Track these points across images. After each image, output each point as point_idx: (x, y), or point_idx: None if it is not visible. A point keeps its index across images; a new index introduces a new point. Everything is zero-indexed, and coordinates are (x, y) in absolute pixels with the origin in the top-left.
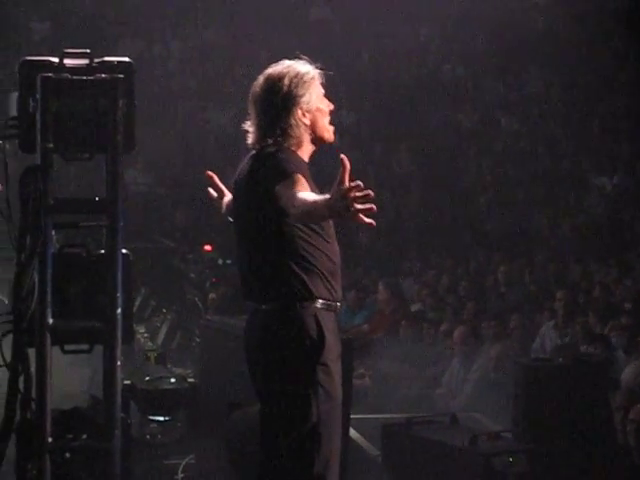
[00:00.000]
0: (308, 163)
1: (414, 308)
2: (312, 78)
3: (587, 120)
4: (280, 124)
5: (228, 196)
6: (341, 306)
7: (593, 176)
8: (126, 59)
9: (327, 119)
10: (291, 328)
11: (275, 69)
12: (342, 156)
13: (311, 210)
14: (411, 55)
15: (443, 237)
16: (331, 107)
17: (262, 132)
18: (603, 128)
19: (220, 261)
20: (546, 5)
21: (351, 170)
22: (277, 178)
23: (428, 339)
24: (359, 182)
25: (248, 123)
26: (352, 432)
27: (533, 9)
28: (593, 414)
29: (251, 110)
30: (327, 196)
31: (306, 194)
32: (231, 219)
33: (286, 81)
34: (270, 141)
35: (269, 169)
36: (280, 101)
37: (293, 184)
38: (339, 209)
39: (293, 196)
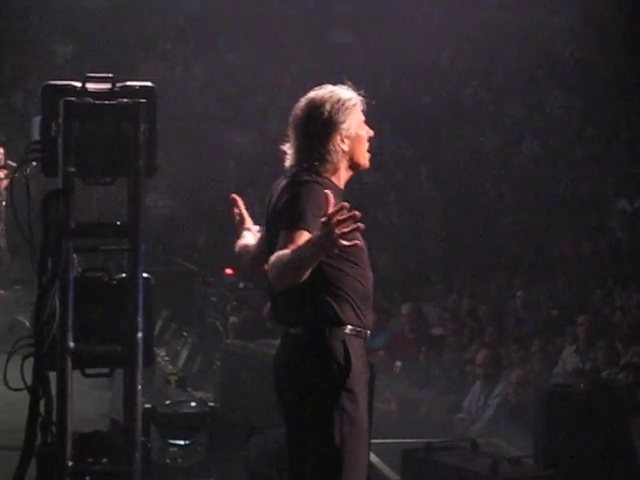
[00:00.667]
0: (344, 188)
1: (435, 332)
2: (353, 105)
3: (608, 143)
4: (318, 149)
5: (248, 225)
6: (370, 333)
7: (614, 199)
8: (148, 84)
9: (366, 145)
10: (319, 352)
11: (318, 93)
12: (326, 191)
13: (289, 266)
14: (432, 78)
15: (464, 260)
16: (371, 134)
17: (299, 156)
18: (625, 151)
19: (241, 284)
20: (569, 28)
21: (370, 190)
22: (285, 221)
23: (449, 364)
24: (343, 203)
25: (287, 145)
26: (372, 457)
27: (556, 32)
28: (615, 440)
29: (290, 133)
30: (309, 238)
31: (283, 252)
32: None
33: (327, 107)
34: (306, 165)
35: (289, 202)
36: (320, 126)
37: (290, 240)
38: (326, 247)
39: (272, 261)
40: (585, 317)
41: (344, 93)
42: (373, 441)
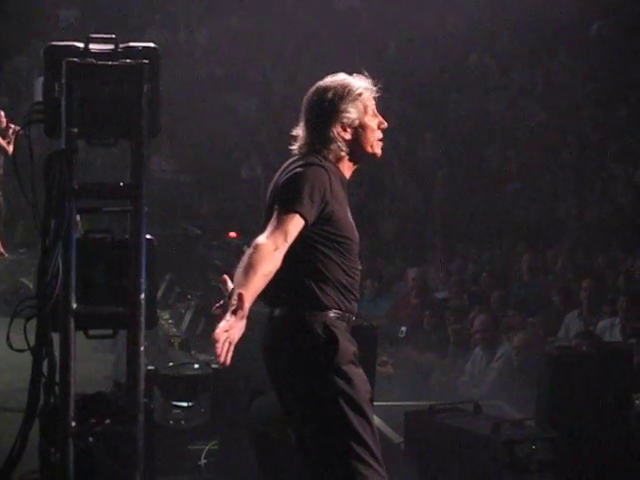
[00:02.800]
0: (350, 178)
1: (439, 296)
2: (359, 94)
3: (615, 110)
4: (319, 136)
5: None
6: (353, 319)
7: (620, 166)
8: (151, 45)
9: (376, 135)
10: (300, 335)
11: (327, 80)
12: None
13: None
14: (438, 44)
15: (468, 226)
16: (383, 125)
17: (304, 141)
18: (630, 118)
19: (245, 248)
20: None
21: (376, 159)
22: (281, 200)
23: (452, 328)
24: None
25: (298, 129)
26: (375, 419)
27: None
28: (617, 402)
29: (301, 117)
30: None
31: (249, 264)
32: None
33: (331, 94)
34: (312, 149)
35: (290, 181)
36: (322, 113)
37: (282, 222)
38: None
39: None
40: (588, 281)
41: (354, 82)
42: (376, 403)
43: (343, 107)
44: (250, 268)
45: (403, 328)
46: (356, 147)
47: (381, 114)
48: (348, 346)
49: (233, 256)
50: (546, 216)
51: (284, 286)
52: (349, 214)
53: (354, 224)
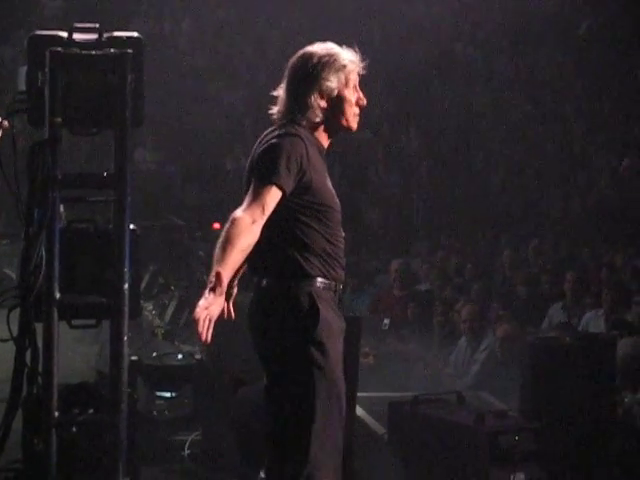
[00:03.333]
0: (327, 147)
1: (422, 288)
2: (343, 65)
3: (598, 101)
4: (297, 101)
5: None
6: (342, 287)
7: (603, 158)
8: (135, 34)
9: (353, 110)
10: (285, 305)
11: (313, 47)
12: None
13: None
14: (422, 34)
15: (452, 218)
16: (362, 101)
17: (283, 106)
18: (614, 109)
19: None
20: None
21: (359, 150)
22: (259, 172)
23: (435, 319)
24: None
25: (279, 90)
26: (358, 410)
27: None
28: (600, 392)
29: (283, 79)
30: (219, 271)
31: (226, 239)
32: None
33: (314, 60)
34: (289, 117)
35: (266, 152)
36: (303, 78)
37: (259, 194)
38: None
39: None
40: (572, 274)
41: (340, 53)
42: (359, 394)
43: (325, 75)
44: (227, 243)
45: (386, 320)
46: (331, 118)
47: (362, 92)
48: (331, 318)
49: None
50: (530, 208)
51: (269, 257)
52: (329, 182)
53: (334, 192)
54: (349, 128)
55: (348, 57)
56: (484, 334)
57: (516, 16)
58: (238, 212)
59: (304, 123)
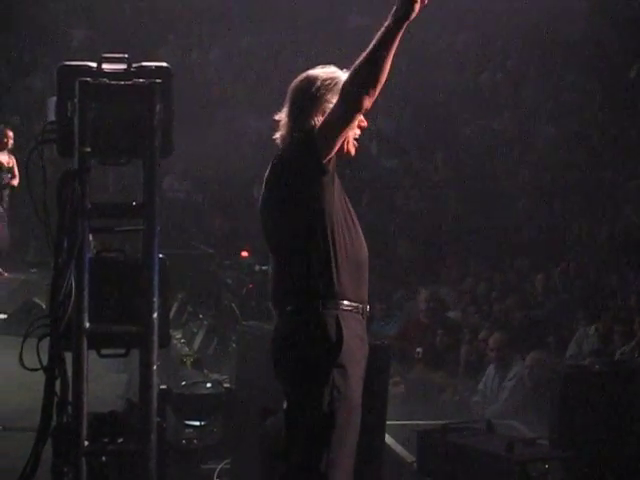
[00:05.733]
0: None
1: (451, 315)
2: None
3: (626, 127)
4: (300, 124)
5: None
6: (368, 310)
7: (630, 184)
8: (164, 64)
9: (354, 132)
10: (311, 328)
11: (315, 70)
12: None
13: (375, 51)
14: (448, 62)
15: (480, 245)
16: (363, 123)
17: (286, 130)
18: None
19: (257, 267)
20: (585, 11)
21: (387, 178)
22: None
23: (465, 347)
24: None
25: (281, 114)
26: (387, 438)
27: (572, 15)
28: (631, 421)
29: (285, 103)
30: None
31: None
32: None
33: (318, 83)
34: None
35: (289, 159)
36: (305, 101)
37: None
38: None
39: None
40: (613, 301)
41: (341, 75)
42: (388, 422)
43: (328, 97)
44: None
45: (419, 349)
46: None
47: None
48: (355, 345)
49: (245, 275)
50: (557, 235)
51: (292, 281)
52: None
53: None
54: (347, 152)
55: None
56: (512, 362)
57: (542, 42)
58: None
59: None
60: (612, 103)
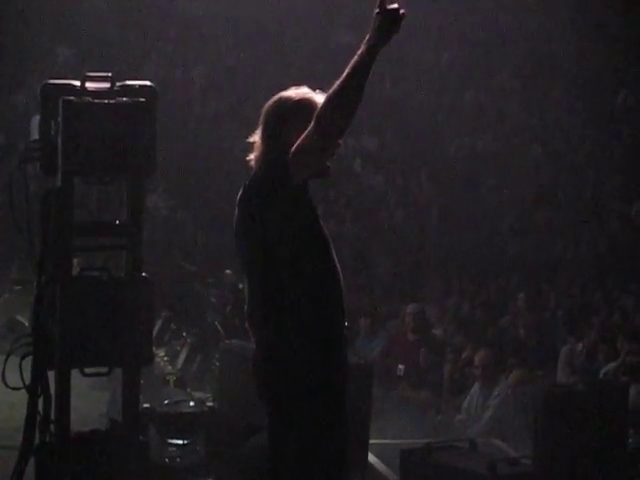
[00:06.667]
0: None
1: (435, 333)
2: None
3: (609, 146)
4: (278, 142)
5: None
6: (351, 326)
7: (615, 202)
8: (148, 83)
9: (327, 153)
10: (295, 351)
11: (288, 91)
12: None
13: (349, 80)
14: (433, 80)
15: (464, 262)
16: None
17: (260, 151)
18: (625, 154)
19: (241, 285)
20: (569, 32)
21: (371, 193)
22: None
23: (448, 365)
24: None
25: (255, 136)
26: (371, 457)
27: (555, 33)
28: (613, 440)
29: (259, 125)
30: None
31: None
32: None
33: (290, 103)
34: (271, 156)
35: (262, 182)
36: (277, 124)
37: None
38: (390, 24)
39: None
40: (597, 318)
41: (314, 96)
42: (372, 441)
43: (300, 119)
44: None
45: (401, 366)
46: None
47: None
48: (340, 362)
49: (229, 293)
50: (542, 253)
51: (271, 305)
52: None
53: None
54: (320, 174)
55: (321, 100)
56: (497, 380)
57: (528, 61)
58: (320, 107)
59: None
60: (597, 122)
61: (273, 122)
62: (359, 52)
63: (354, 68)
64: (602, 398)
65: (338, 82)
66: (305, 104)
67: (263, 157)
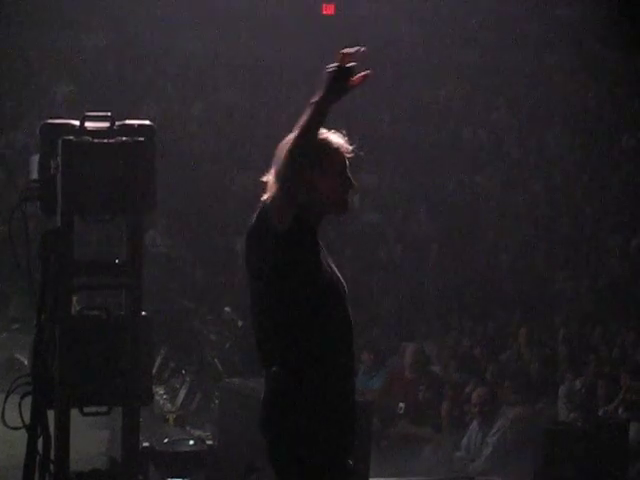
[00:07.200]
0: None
1: (434, 370)
2: (336, 149)
3: (607, 182)
4: (286, 184)
5: None
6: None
7: (614, 237)
8: (147, 122)
9: (343, 192)
10: (300, 389)
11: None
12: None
13: (310, 122)
14: (431, 117)
15: (463, 299)
16: (352, 186)
17: (272, 190)
18: (624, 190)
19: (240, 323)
20: (564, 65)
21: (370, 232)
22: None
23: (448, 402)
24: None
25: (268, 175)
26: None
27: (551, 70)
28: (613, 477)
29: (272, 165)
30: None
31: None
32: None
33: (300, 143)
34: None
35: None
36: (290, 165)
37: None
38: (340, 82)
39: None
40: (595, 355)
41: (330, 137)
42: (372, 479)
43: (313, 160)
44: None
45: (401, 404)
46: (316, 200)
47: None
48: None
49: (228, 331)
50: (541, 289)
51: (277, 342)
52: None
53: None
54: (337, 211)
55: (338, 141)
56: (496, 417)
57: (525, 97)
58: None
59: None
60: (595, 157)
61: (280, 164)
62: (317, 99)
63: (311, 115)
64: (601, 435)
65: (299, 128)
66: (322, 146)
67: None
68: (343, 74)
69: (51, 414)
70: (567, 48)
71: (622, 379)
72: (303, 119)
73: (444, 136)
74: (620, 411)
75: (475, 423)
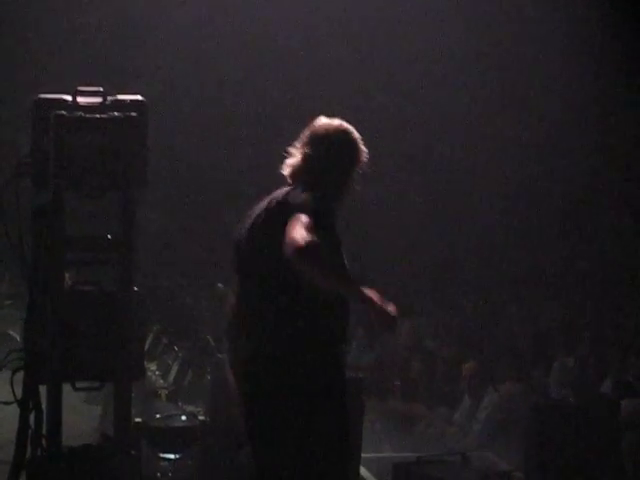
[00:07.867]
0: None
1: (428, 345)
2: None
3: (599, 156)
4: (312, 177)
5: None
6: (347, 346)
7: (608, 216)
8: (139, 97)
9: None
10: (303, 368)
11: (342, 123)
12: None
13: (329, 281)
14: (424, 91)
15: (457, 275)
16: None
17: (298, 171)
18: (616, 167)
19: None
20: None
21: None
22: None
23: (440, 377)
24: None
25: (293, 151)
26: (363, 471)
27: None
28: (605, 454)
29: (300, 142)
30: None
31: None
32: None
33: (348, 137)
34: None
35: (295, 204)
36: (322, 159)
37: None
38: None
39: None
40: (588, 333)
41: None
42: (364, 455)
43: (344, 165)
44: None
45: (397, 382)
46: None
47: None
48: (343, 377)
49: (220, 306)
50: (534, 266)
51: (278, 322)
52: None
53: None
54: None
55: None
56: (484, 392)
57: (518, 71)
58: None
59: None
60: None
61: (317, 155)
62: (347, 289)
63: (336, 284)
64: (593, 411)
65: (324, 270)
66: (349, 140)
67: (299, 181)
68: (389, 327)
69: (43, 389)
70: (568, 76)
71: (610, 356)
72: (333, 269)
73: (436, 115)
74: (612, 389)
75: (466, 398)
